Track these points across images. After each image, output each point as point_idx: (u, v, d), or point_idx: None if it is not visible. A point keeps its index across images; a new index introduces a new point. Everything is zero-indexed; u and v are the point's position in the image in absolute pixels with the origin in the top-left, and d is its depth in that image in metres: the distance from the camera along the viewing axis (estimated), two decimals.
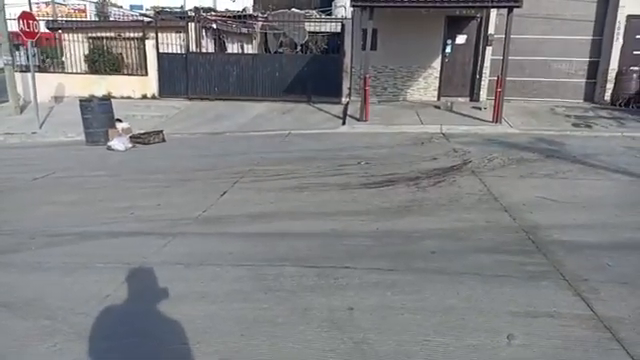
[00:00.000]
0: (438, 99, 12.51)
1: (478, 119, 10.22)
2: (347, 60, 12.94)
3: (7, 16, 12.19)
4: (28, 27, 10.76)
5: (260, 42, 18.73)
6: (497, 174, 6.31)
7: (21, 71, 13.79)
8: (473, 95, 12.34)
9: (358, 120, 10.48)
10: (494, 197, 5.32)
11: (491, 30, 11.74)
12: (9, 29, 12.37)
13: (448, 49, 12.21)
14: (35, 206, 5.70)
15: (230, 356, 2.66)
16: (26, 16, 10.94)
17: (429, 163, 7.03)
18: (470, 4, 10.04)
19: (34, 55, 12.42)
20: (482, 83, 12.05)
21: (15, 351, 2.76)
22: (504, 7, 9.62)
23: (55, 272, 3.78)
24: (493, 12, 11.59)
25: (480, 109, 10.96)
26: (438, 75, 12.50)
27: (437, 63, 12.43)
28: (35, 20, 11.17)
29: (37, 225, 4.97)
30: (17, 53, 16.21)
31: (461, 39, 12.19)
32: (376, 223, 4.65)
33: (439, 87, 12.59)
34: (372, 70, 11.80)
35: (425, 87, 12.74)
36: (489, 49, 11.92)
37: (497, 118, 9.69)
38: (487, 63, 11.94)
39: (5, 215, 5.40)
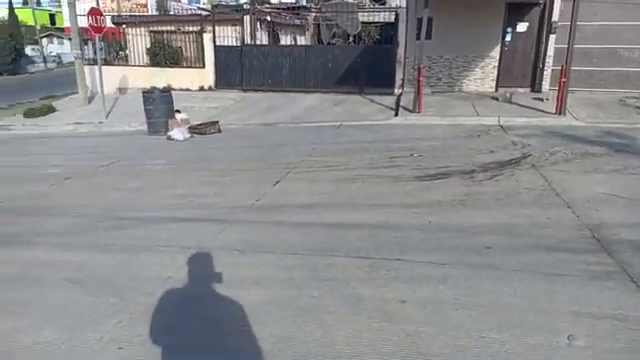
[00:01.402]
0: (496, 90, 12.03)
1: (539, 111, 9.74)
2: (400, 50, 12.71)
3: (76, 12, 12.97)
4: (96, 22, 11.39)
5: (313, 33, 18.78)
6: (560, 168, 6.00)
7: (89, 64, 14.63)
8: (534, 86, 11.76)
9: (411, 111, 10.30)
10: (556, 192, 5.08)
11: (555, 17, 11.10)
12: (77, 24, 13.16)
13: (508, 37, 11.69)
14: (102, 192, 6.07)
15: (283, 341, 2.73)
16: (94, 12, 11.58)
17: (485, 156, 6.80)
18: None
19: (101, 49, 13.13)
20: (545, 73, 11.45)
21: (87, 326, 2.97)
22: None
23: (122, 254, 4.02)
24: None
25: (542, 100, 10.44)
26: (497, 65, 12.01)
27: (496, 52, 11.94)
28: (102, 15, 11.80)
29: (104, 209, 5.30)
30: (85, 47, 17.22)
31: (522, 27, 11.62)
32: (429, 216, 4.58)
33: (497, 77, 12.10)
34: (426, 60, 11.53)
35: (482, 77, 12.29)
36: (553, 37, 11.29)
37: (561, 109, 9.19)
38: (550, 52, 11.33)
39: (76, 200, 5.79)
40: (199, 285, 3.45)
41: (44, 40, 37.46)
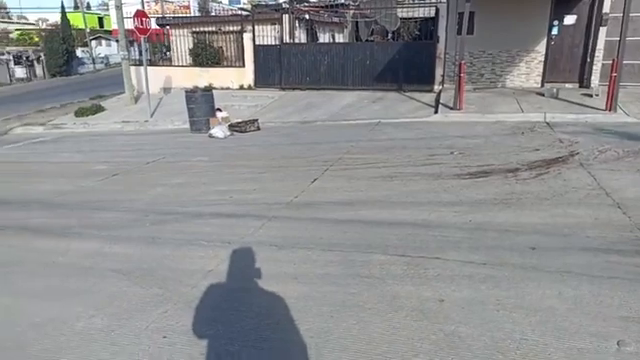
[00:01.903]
0: (542, 85, 11.62)
1: (588, 107, 9.33)
2: (441, 46, 12.50)
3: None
4: (142, 24, 11.81)
5: (351, 31, 18.71)
6: (610, 167, 5.74)
7: (134, 65, 15.19)
8: (583, 81, 11.28)
9: (451, 108, 10.10)
10: (605, 192, 4.86)
11: (606, 8, 10.60)
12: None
13: (555, 31, 11.25)
14: (148, 187, 6.30)
15: (321, 335, 2.76)
16: (140, 14, 12.01)
17: (530, 154, 6.58)
18: None
19: (146, 50, 13.59)
20: (594, 67, 10.96)
21: (134, 314, 3.11)
22: None
23: (166, 247, 4.17)
24: None
25: (591, 96, 10.00)
26: (542, 59, 11.60)
27: (542, 46, 11.53)
28: (147, 17, 12.23)
29: (150, 204, 5.51)
30: (131, 49, 17.89)
31: (570, 19, 11.16)
32: (469, 215, 4.49)
33: (543, 72, 11.69)
34: (468, 56, 11.29)
35: (527, 73, 11.90)
36: (603, 29, 10.79)
37: (611, 106, 8.76)
38: (600, 45, 10.83)
39: (123, 194, 6.04)
40: (239, 279, 3.53)
41: (93, 42, 39.17)
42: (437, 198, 5.09)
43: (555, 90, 10.46)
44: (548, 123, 8.69)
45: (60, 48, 30.57)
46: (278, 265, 3.70)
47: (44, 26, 41.73)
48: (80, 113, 13.41)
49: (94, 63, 35.38)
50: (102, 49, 40.04)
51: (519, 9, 10.95)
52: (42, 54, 31.03)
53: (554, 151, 6.72)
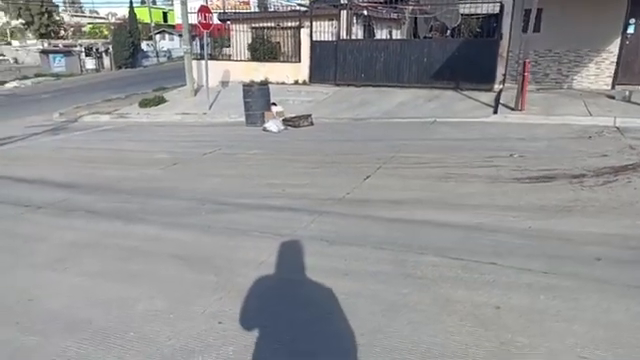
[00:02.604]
0: (612, 87, 10.93)
1: None
2: (504, 43, 12.02)
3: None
4: (205, 19, 12.19)
5: (409, 27, 18.40)
6: None
7: (195, 59, 15.72)
8: None
9: (512, 109, 9.71)
10: None
11: None
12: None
13: (631, 30, 10.53)
14: (205, 177, 6.52)
15: (372, 333, 2.76)
16: (204, 9, 12.41)
17: (597, 160, 6.21)
18: None
19: (208, 44, 14.03)
20: None
21: (191, 299, 3.23)
22: None
23: (221, 236, 4.31)
24: None
25: None
26: (615, 60, 10.90)
27: (614, 46, 10.83)
28: (210, 13, 12.61)
29: (206, 193, 5.70)
30: (193, 43, 18.53)
31: None
32: (529, 221, 4.30)
33: (615, 74, 10.98)
34: (532, 54, 10.80)
35: (596, 74, 11.23)
36: None
37: None
38: None
39: (182, 183, 6.29)
40: (291, 271, 3.58)
41: (157, 36, 40.95)
42: (494, 201, 4.93)
43: (628, 93, 9.80)
44: (618, 128, 8.16)
45: (127, 41, 32.20)
46: (329, 260, 3.72)
47: (113, 20, 44.10)
48: (143, 104, 14.07)
49: (157, 56, 36.99)
50: (165, 43, 41.79)
51: (592, 6, 10.33)
52: (110, 47, 32.83)
53: (624, 158, 6.30)
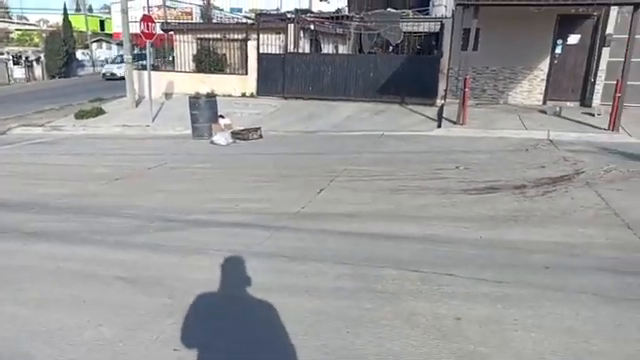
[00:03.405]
0: (544, 103, 11.71)
1: (591, 126, 9.38)
2: (444, 61, 12.56)
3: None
4: (147, 28, 11.79)
5: (354, 43, 18.80)
6: (616, 187, 5.74)
7: (137, 69, 15.14)
8: (584, 100, 11.37)
9: (455, 123, 10.13)
10: (614, 212, 4.85)
11: (610, 29, 10.72)
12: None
13: (558, 50, 11.37)
14: (151, 193, 6.23)
15: (336, 351, 2.70)
16: (146, 19, 12.00)
17: (536, 171, 6.58)
18: (590, 1, 9.14)
19: (150, 54, 13.55)
20: (596, 87, 11.05)
21: (143, 325, 3.02)
22: (629, 4, 8.72)
23: (173, 255, 4.10)
24: (614, 10, 10.56)
25: (593, 115, 10.06)
26: (545, 77, 11.70)
27: (545, 64, 11.63)
28: (154, 22, 12.22)
29: (154, 210, 5.43)
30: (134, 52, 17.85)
31: (574, 39, 11.28)
32: (479, 231, 4.45)
33: (545, 90, 11.78)
34: (471, 71, 11.32)
35: (529, 90, 11.99)
36: (606, 50, 10.90)
37: (614, 126, 8.82)
38: (603, 66, 10.93)
39: (126, 200, 5.96)
40: (250, 290, 3.45)
41: (94, 45, 39.16)
42: (445, 213, 5.06)
43: (558, 108, 10.53)
44: (552, 141, 8.72)
45: (60, 50, 30.51)
46: (289, 277, 3.63)
47: (45, 27, 41.70)
48: (80, 115, 13.32)
49: (94, 66, 35.30)
50: (102, 52, 40.01)
51: (523, 27, 11.04)
52: (42, 55, 30.95)
53: (559, 169, 6.72)
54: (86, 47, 37.23)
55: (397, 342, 2.78)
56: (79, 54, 35.09)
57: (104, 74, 28.24)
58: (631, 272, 3.54)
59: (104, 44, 41.39)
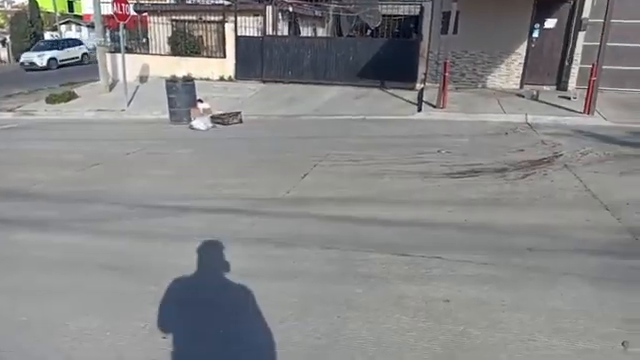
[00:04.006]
0: (521, 87, 11.85)
1: (567, 109, 9.56)
2: (424, 44, 12.55)
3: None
4: (121, 10, 11.38)
5: (332, 26, 18.61)
6: (593, 169, 5.87)
7: (110, 52, 14.66)
8: (560, 84, 11.55)
9: (435, 107, 10.17)
10: (592, 194, 4.97)
11: (586, 14, 10.87)
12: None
13: (536, 34, 11.47)
14: (131, 179, 6.08)
15: (328, 336, 2.70)
16: (120, 0, 11.56)
17: (516, 154, 6.68)
18: None
19: (124, 36, 13.12)
20: (572, 71, 11.24)
21: (130, 313, 2.96)
22: None
23: (157, 242, 4.02)
24: None
25: (569, 99, 10.24)
26: (523, 61, 11.81)
27: (522, 49, 11.74)
28: (127, 3, 11.79)
29: (134, 197, 5.31)
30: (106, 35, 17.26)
31: (551, 23, 11.39)
32: (464, 214, 4.50)
33: (523, 74, 11.91)
34: (450, 55, 11.36)
35: (507, 74, 12.11)
36: (582, 34, 11.06)
37: (589, 109, 9.00)
38: (579, 49, 11.11)
39: (105, 186, 5.81)
40: (238, 276, 3.41)
41: (62, 27, 37.69)
42: (429, 197, 5.10)
43: (535, 92, 10.68)
44: (530, 124, 8.86)
45: (27, 31, 29.30)
46: (276, 263, 3.61)
47: (9, 8, 39.91)
48: (52, 100, 12.85)
49: None
50: (72, 34, 38.54)
51: (502, 11, 11.10)
52: (7, 37, 29.68)
53: (538, 152, 6.84)
54: (54, 29, 35.81)
55: (388, 326, 2.80)
56: (47, 36, 33.75)
57: (22, 63, 23.45)
58: (610, 253, 3.64)
59: (73, 26, 39.88)
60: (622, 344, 2.57)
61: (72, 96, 13.27)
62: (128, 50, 15.08)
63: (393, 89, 12.59)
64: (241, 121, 10.08)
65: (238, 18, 14.07)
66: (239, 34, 14.18)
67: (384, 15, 16.99)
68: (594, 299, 3.01)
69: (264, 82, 14.00)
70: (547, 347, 2.57)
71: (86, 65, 23.55)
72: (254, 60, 14.18)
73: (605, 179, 5.52)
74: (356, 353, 2.55)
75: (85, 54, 25.97)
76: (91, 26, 27.10)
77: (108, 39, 16.96)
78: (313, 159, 6.68)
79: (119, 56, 12.66)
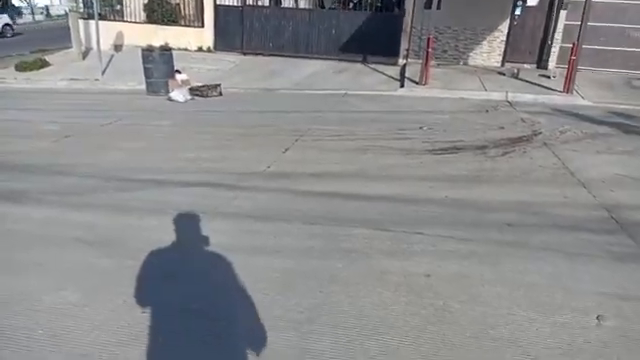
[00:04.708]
0: (502, 65, 11.88)
1: (547, 88, 9.64)
2: (407, 19, 12.40)
3: None
4: None
5: None
6: (571, 147, 5.97)
7: (82, 18, 14.03)
8: (541, 62, 11.62)
9: (417, 83, 10.13)
10: (570, 172, 5.06)
11: None
12: None
13: (518, 11, 11.42)
14: (106, 151, 5.90)
15: (310, 309, 2.71)
16: None
17: (496, 132, 6.73)
18: None
19: (97, 1, 12.55)
20: (552, 50, 11.30)
21: (108, 288, 2.90)
22: None
23: (134, 216, 3.93)
24: None
25: (549, 77, 10.33)
26: (504, 39, 11.80)
27: (504, 26, 11.71)
28: None
29: (110, 170, 5.16)
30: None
31: (533, 1, 11.23)
32: (445, 191, 4.53)
33: (504, 52, 11.91)
34: (433, 31, 11.27)
35: (489, 51, 12.10)
36: (563, 13, 11.09)
37: (569, 88, 9.10)
38: (560, 28, 11.15)
39: (79, 158, 5.62)
40: (219, 251, 3.37)
41: None
42: (411, 173, 5.11)
43: (516, 70, 10.73)
44: (510, 102, 8.92)
45: None
46: (258, 238, 3.58)
47: None
48: (22, 67, 12.30)
49: (33, 14, 32.49)
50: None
51: None
52: None
53: (518, 130, 6.91)
54: None
55: (370, 300, 2.82)
56: (15, 1, 32.14)
57: None
58: (585, 228, 3.73)
59: None
60: (597, 318, 2.65)
61: (44, 64, 12.73)
62: (102, 17, 14.45)
63: (375, 64, 12.46)
64: (221, 94, 9.86)
65: None
66: (218, 2, 13.72)
67: None
68: (570, 274, 3.09)
69: (244, 54, 13.67)
70: (525, 320, 2.63)
71: (9, 38, 21.42)
72: (234, 31, 13.80)
73: (582, 157, 5.62)
74: (338, 327, 2.56)
75: (7, 25, 22.57)
76: None
77: (80, 4, 16.21)
78: (294, 134, 6.60)
79: (92, 23, 12.15)
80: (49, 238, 3.53)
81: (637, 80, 10.50)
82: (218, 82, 10.24)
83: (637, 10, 11.11)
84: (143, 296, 2.81)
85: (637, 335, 2.52)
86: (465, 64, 12.31)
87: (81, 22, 13.59)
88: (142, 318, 2.64)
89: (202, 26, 14.09)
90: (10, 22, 22.74)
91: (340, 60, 12.87)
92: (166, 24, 14.27)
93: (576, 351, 2.40)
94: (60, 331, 2.52)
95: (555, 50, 11.31)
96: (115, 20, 15.06)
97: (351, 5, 16.17)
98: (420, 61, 10.34)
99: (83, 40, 13.63)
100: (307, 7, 16.43)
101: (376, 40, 12.66)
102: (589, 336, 2.50)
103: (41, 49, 15.49)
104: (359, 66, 12.52)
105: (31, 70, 12.19)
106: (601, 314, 2.66)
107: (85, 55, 13.39)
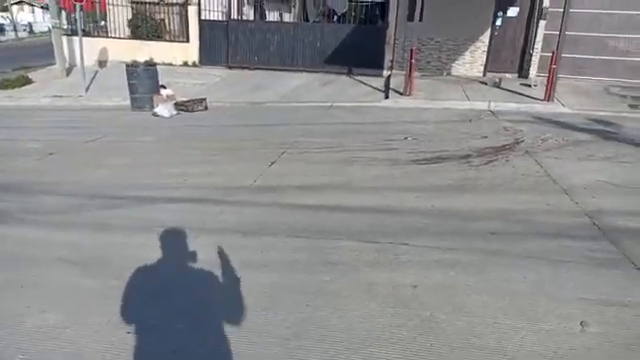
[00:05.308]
0: (484, 75, 12.09)
1: (528, 97, 9.82)
2: (390, 31, 12.57)
3: None
4: None
5: (299, 11, 18.36)
6: (553, 155, 6.07)
7: (66, 35, 13.98)
8: (522, 71, 11.85)
9: (401, 94, 10.24)
10: (552, 179, 5.14)
11: (546, 3, 11.14)
12: None
13: (498, 22, 11.68)
14: (90, 168, 5.85)
15: (299, 325, 2.70)
16: None
17: (479, 141, 6.82)
18: None
19: (81, 18, 12.52)
20: (533, 59, 11.53)
21: (92, 309, 2.86)
22: None
23: (119, 234, 3.89)
24: None
25: (530, 86, 10.53)
26: (486, 49, 12.03)
27: (486, 36, 11.95)
28: None
29: (95, 187, 5.12)
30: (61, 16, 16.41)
31: (513, 11, 11.60)
32: (431, 201, 4.57)
33: (486, 62, 12.14)
34: (416, 42, 11.43)
35: (471, 62, 12.31)
36: (543, 23, 11.35)
37: (550, 96, 9.28)
38: (540, 38, 11.40)
39: (63, 176, 5.57)
40: (205, 268, 3.35)
41: (14, 7, 35.74)
42: (397, 183, 5.15)
43: (498, 79, 10.91)
44: (492, 111, 9.06)
45: None
46: (245, 253, 3.56)
47: None
48: (4, 85, 12.18)
49: (16, 30, 32.30)
50: (25, 15, 36.67)
51: None
52: None
53: (501, 139, 7.01)
54: (5, 9, 33.90)
55: (357, 312, 2.82)
56: None
57: None
58: (568, 235, 3.78)
59: (26, 7, 37.90)
60: (580, 324, 2.68)
61: (27, 81, 12.63)
62: (86, 33, 14.40)
63: (360, 76, 12.59)
64: (206, 108, 9.87)
65: (202, 0, 13.66)
66: (203, 18, 13.79)
67: (351, 1, 16.89)
68: (553, 281, 3.12)
69: (230, 68, 13.71)
70: (510, 329, 2.64)
71: None
72: (219, 45, 13.85)
73: (564, 164, 5.71)
74: (325, 341, 2.56)
75: None
76: (45, 7, 25.69)
77: (64, 21, 16.16)
78: (281, 147, 6.62)
79: (76, 39, 12.11)
80: (32, 258, 3.48)
81: (614, 87, 10.74)
82: (204, 96, 10.26)
83: (612, 19, 11.42)
84: (128, 316, 2.77)
85: (620, 340, 2.55)
86: (448, 74, 12.50)
87: (65, 39, 13.54)
88: (127, 338, 2.61)
89: (187, 41, 14.12)
90: None
91: (325, 72, 12.98)
92: (151, 39, 14.27)
93: (561, 358, 2.42)
94: (42, 355, 2.47)
95: (535, 59, 11.55)
96: (99, 36, 15.03)
97: (335, 18, 16.38)
98: (404, 72, 10.47)
99: (67, 57, 13.57)
100: (291, 21, 16.61)
101: (361, 52, 12.80)
102: (574, 342, 2.53)
103: (24, 66, 15.37)
104: (344, 78, 12.64)
105: (13, 88, 12.08)
106: (585, 320, 2.69)
107: (69, 72, 13.32)
